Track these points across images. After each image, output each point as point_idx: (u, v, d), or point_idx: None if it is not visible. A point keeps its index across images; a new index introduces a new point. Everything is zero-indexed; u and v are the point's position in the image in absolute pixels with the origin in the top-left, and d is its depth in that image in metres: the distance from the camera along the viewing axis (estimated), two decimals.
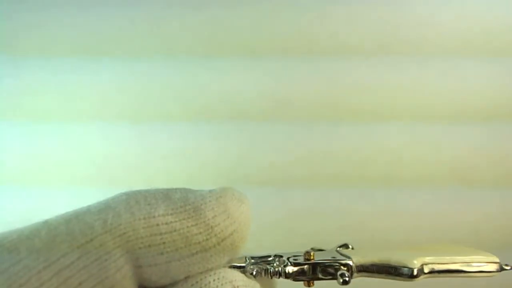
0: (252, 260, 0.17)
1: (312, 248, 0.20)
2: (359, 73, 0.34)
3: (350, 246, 0.20)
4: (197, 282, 0.15)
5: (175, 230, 0.15)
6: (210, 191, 0.16)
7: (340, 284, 0.17)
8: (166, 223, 0.15)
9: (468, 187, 0.33)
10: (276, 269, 0.17)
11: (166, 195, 0.16)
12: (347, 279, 0.17)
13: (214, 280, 0.16)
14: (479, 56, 0.34)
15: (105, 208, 0.15)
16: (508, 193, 0.33)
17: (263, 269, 0.17)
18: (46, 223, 0.15)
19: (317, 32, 0.34)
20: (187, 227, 0.15)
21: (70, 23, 0.33)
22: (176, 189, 0.17)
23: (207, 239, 0.15)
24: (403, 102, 0.34)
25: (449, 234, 0.33)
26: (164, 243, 0.15)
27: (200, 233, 0.15)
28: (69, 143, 0.33)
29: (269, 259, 0.17)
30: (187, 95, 0.33)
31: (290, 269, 0.17)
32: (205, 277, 0.16)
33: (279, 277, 0.18)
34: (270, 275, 0.17)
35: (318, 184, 0.32)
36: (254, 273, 0.17)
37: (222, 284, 0.16)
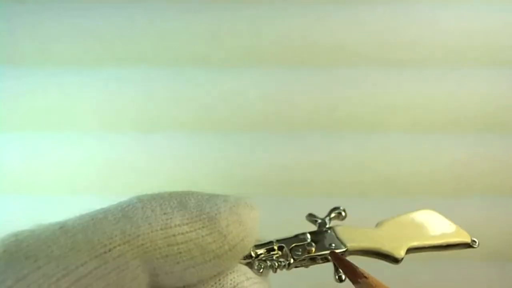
0: (257, 251, 0.19)
1: (309, 215, 0.22)
2: (357, 82, 0.33)
3: (343, 213, 0.22)
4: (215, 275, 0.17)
5: (191, 240, 0.16)
6: (224, 200, 0.17)
7: (337, 282, 0.19)
8: (182, 233, 0.16)
9: (465, 195, 0.34)
10: (282, 265, 0.19)
11: (180, 202, 0.16)
12: (342, 277, 0.19)
13: (231, 273, 0.17)
14: (478, 66, 0.33)
15: (122, 218, 0.15)
16: (504, 201, 0.34)
17: (268, 266, 0.19)
18: (63, 229, 0.15)
19: (316, 42, 0.33)
20: (202, 236, 0.16)
21: (72, 32, 0.32)
22: (190, 194, 0.17)
23: (220, 247, 0.16)
24: (401, 111, 0.34)
25: None
26: (180, 252, 0.16)
27: (214, 241, 0.16)
28: (71, 151, 0.32)
29: (273, 252, 0.19)
30: (189, 104, 0.33)
31: (292, 263, 0.19)
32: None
33: (281, 270, 0.19)
34: (275, 270, 0.19)
35: (317, 192, 0.33)
36: (262, 270, 0.19)
37: (238, 276, 0.17)
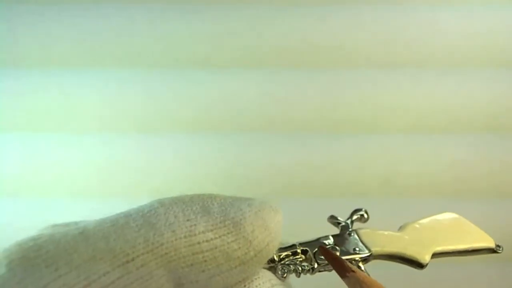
0: (280, 255, 0.18)
1: (331, 217, 0.21)
2: (357, 83, 0.33)
3: (365, 215, 0.21)
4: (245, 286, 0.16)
5: (216, 247, 0.15)
6: (249, 204, 0.16)
7: (356, 262, 0.19)
8: (207, 241, 0.15)
9: (465, 196, 0.33)
10: (306, 269, 0.18)
11: (203, 207, 0.16)
12: (361, 260, 0.19)
13: (256, 279, 0.16)
14: (478, 67, 0.33)
15: (145, 224, 0.15)
16: (504, 202, 0.34)
17: (292, 270, 0.18)
18: (83, 234, 0.15)
19: (316, 43, 0.33)
20: (228, 243, 0.15)
21: (73, 33, 0.32)
22: (212, 198, 0.16)
23: (246, 253, 0.16)
24: (401, 113, 0.33)
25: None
26: (205, 261, 0.15)
27: (240, 248, 0.15)
28: (71, 152, 0.32)
29: (297, 256, 0.18)
30: (189, 105, 0.33)
31: (316, 267, 0.19)
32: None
33: (305, 275, 0.19)
34: (298, 275, 0.18)
35: (317, 193, 0.32)
36: (285, 275, 0.18)
37: (263, 282, 0.17)
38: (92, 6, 0.33)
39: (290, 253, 0.18)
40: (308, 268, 0.18)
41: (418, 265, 0.19)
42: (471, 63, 0.34)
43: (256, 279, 0.17)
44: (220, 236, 0.15)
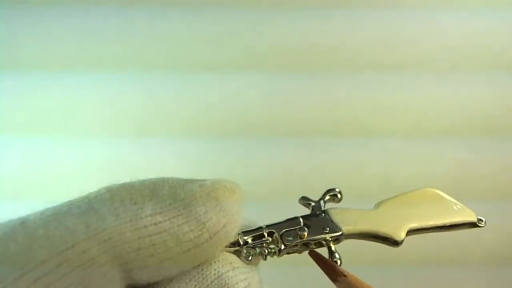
0: (245, 238, 0.17)
1: (302, 198, 0.20)
2: (357, 86, 0.33)
3: (338, 195, 0.20)
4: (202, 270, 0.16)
5: (164, 230, 0.14)
6: (200, 185, 0.15)
7: (325, 244, 0.18)
8: (155, 224, 0.14)
9: (464, 198, 0.33)
10: (271, 252, 0.18)
11: (153, 191, 0.15)
12: (331, 240, 0.18)
13: (215, 262, 0.16)
14: (477, 69, 0.33)
15: (87, 210, 0.14)
16: (503, 205, 0.33)
17: (257, 253, 0.17)
18: (23, 224, 0.14)
19: (316, 45, 0.33)
20: (178, 225, 0.14)
21: (73, 35, 0.33)
22: (164, 181, 0.15)
23: (199, 236, 0.15)
24: (401, 115, 0.33)
25: (447, 247, 0.34)
26: (154, 244, 0.14)
27: (192, 230, 0.14)
28: (72, 154, 0.32)
29: (263, 239, 0.17)
30: (189, 108, 0.33)
31: (283, 249, 0.18)
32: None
33: (272, 257, 0.18)
34: (265, 257, 0.17)
35: (316, 195, 0.31)
36: (251, 258, 0.17)
37: (222, 266, 0.16)
38: (92, 7, 0.33)
39: (255, 236, 0.17)
40: (274, 250, 0.17)
41: (393, 242, 0.18)
42: (471, 65, 0.34)
43: (215, 262, 0.16)
44: (169, 219, 0.14)
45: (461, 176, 0.34)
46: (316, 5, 0.34)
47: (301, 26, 0.34)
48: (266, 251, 0.17)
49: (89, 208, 0.14)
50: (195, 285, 0.15)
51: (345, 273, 0.17)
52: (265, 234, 0.18)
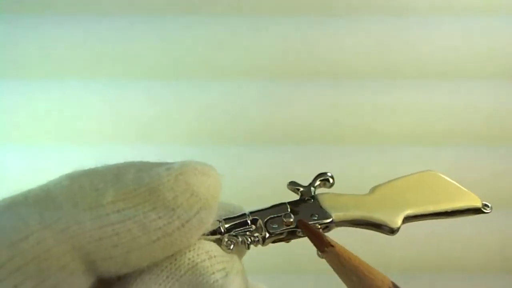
0: (226, 226, 0.16)
1: (291, 183, 0.19)
2: (355, 94, 0.33)
3: (330, 179, 0.19)
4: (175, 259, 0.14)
5: (129, 218, 0.13)
6: (167, 168, 0.14)
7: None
8: (118, 211, 0.13)
9: None
10: (254, 240, 0.16)
11: (117, 175, 0.13)
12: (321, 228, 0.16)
13: (189, 251, 0.14)
14: (474, 78, 0.33)
15: (44, 198, 0.13)
16: (502, 212, 0.32)
17: (240, 241, 0.16)
18: None
19: (313, 54, 0.33)
20: (144, 213, 0.13)
21: (74, 43, 0.33)
22: (129, 166, 0.14)
23: (169, 223, 0.13)
24: (398, 123, 0.33)
25: (451, 255, 0.34)
26: (117, 234, 0.13)
27: (160, 217, 0.13)
28: (72, 163, 0.30)
29: (247, 226, 0.16)
30: (191, 115, 0.33)
31: (267, 238, 0.16)
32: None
33: (256, 246, 0.17)
34: (247, 246, 0.16)
35: None
36: (232, 247, 0.16)
37: (198, 255, 0.14)
38: (93, 14, 0.33)
39: (238, 224, 0.16)
40: (258, 239, 0.16)
41: (388, 230, 0.17)
42: (468, 73, 0.34)
43: (189, 251, 0.14)
44: (134, 206, 0.13)
45: (461, 181, 0.34)
46: (317, 11, 0.33)
47: (301, 32, 0.34)
48: (249, 239, 0.16)
49: (46, 196, 0.13)
50: (167, 276, 0.14)
51: (332, 243, 0.15)
52: (249, 222, 0.16)
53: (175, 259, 0.14)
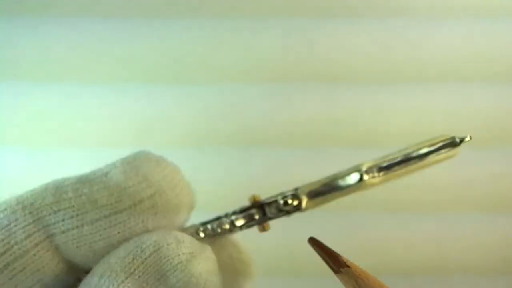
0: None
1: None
2: (354, 97, 0.34)
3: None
4: (138, 238, 0.15)
5: (84, 194, 0.15)
6: (122, 158, 0.16)
7: (284, 208, 0.16)
8: (75, 189, 0.15)
9: (462, 211, 0.33)
10: (225, 225, 0.16)
11: (84, 173, 0.16)
12: (289, 201, 0.16)
13: (157, 235, 0.15)
14: (473, 81, 0.34)
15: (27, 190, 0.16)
16: (502, 216, 0.33)
17: (210, 228, 0.16)
18: None
19: (311, 58, 0.34)
20: (97, 190, 0.15)
21: (72, 47, 0.34)
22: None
23: (119, 201, 0.15)
24: (397, 128, 0.34)
25: (451, 256, 0.32)
26: (72, 206, 0.15)
27: (111, 195, 0.15)
28: (72, 168, 0.33)
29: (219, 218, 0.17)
30: (191, 120, 0.33)
31: (237, 218, 0.16)
32: (148, 233, 0.15)
33: (230, 232, 0.17)
34: (219, 231, 0.16)
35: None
36: (202, 234, 0.16)
37: (165, 238, 0.15)
38: (91, 18, 0.34)
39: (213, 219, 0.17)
40: (228, 223, 0.16)
41: (356, 177, 0.16)
42: (467, 77, 0.34)
43: (157, 235, 0.15)
44: (90, 186, 0.15)
45: (460, 182, 0.32)
46: (316, 12, 0.34)
47: (301, 33, 0.34)
48: (218, 226, 0.16)
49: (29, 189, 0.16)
50: (133, 258, 0.14)
51: (348, 264, 0.15)
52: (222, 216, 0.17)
53: (142, 242, 0.15)
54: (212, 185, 0.31)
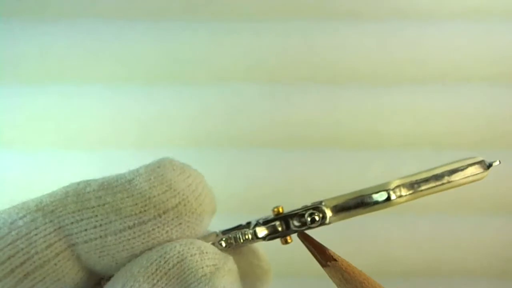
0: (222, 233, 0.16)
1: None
2: (354, 98, 0.34)
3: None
4: (162, 248, 0.14)
5: (107, 203, 0.14)
6: (146, 165, 0.15)
7: (310, 225, 0.16)
8: (98, 197, 0.14)
9: (463, 213, 0.33)
10: (246, 234, 0.16)
11: (105, 176, 0.15)
12: (316, 218, 0.15)
13: (180, 245, 0.14)
14: (471, 82, 0.34)
15: (45, 195, 0.15)
16: (503, 217, 0.33)
17: (232, 237, 0.16)
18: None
19: (311, 59, 0.34)
20: (121, 199, 0.14)
21: (71, 48, 0.34)
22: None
23: (144, 211, 0.14)
24: (395, 128, 0.34)
25: (451, 258, 0.33)
26: (96, 215, 0.14)
27: (136, 204, 0.14)
28: (71, 170, 0.33)
29: (240, 227, 0.16)
30: (191, 120, 0.33)
31: (260, 230, 0.16)
32: (171, 243, 0.15)
33: (251, 242, 0.16)
34: (241, 241, 0.16)
35: None
36: (224, 244, 0.16)
37: (188, 249, 0.14)
38: (91, 20, 0.34)
39: (234, 227, 0.16)
40: (249, 233, 0.16)
41: (383, 196, 0.15)
42: (465, 78, 0.34)
43: (180, 245, 0.15)
44: (113, 193, 0.15)
45: (460, 187, 0.31)
46: (317, 13, 0.34)
47: (301, 34, 0.34)
48: (239, 235, 0.16)
49: (47, 194, 0.15)
50: (156, 269, 0.14)
51: (335, 257, 0.15)
52: (242, 224, 0.16)
53: (165, 253, 0.14)
54: (212, 185, 0.31)
